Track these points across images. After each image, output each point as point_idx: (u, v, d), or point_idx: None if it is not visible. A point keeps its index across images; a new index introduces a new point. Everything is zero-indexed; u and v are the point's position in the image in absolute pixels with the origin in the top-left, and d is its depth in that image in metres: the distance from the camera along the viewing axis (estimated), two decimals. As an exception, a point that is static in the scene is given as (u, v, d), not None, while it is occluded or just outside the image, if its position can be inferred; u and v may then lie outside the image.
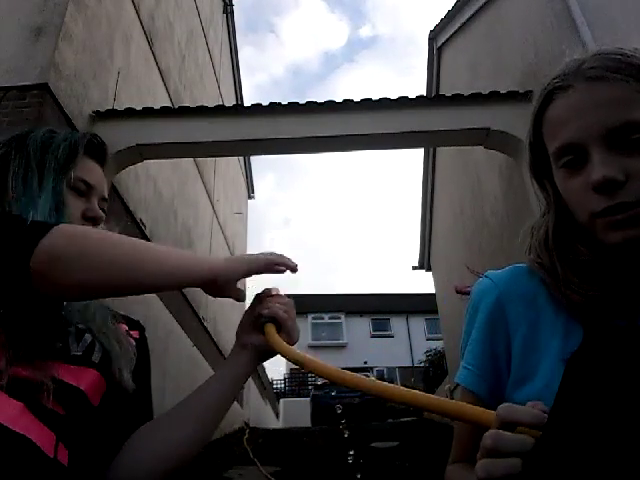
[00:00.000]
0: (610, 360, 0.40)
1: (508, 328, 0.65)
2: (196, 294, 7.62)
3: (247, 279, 0.82)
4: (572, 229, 0.64)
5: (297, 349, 0.71)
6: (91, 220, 0.84)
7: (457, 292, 6.06)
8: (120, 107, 4.70)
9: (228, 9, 11.34)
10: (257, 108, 4.96)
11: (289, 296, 0.83)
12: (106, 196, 0.90)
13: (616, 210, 0.56)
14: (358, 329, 24.26)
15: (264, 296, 0.81)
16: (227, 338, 10.33)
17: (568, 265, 0.62)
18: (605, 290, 0.58)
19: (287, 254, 0.81)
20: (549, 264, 0.64)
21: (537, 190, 0.71)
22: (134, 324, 0.93)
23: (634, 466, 0.36)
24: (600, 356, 0.40)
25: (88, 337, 0.74)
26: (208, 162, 8.81)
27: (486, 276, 0.70)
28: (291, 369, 23.29)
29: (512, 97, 4.92)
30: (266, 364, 20.34)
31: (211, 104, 5.43)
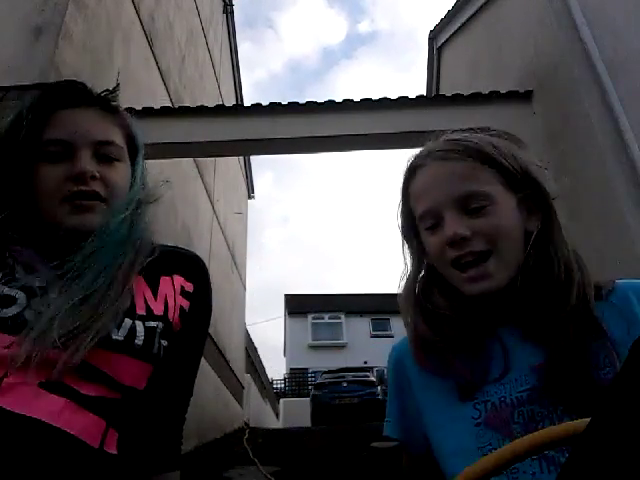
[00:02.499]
0: None
1: (411, 386, 0.78)
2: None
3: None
4: (434, 281, 0.78)
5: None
6: (77, 179, 0.71)
7: None
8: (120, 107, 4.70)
9: (228, 9, 11.34)
10: (257, 108, 4.96)
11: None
12: (102, 138, 0.75)
13: (466, 259, 0.70)
14: (358, 329, 24.24)
15: None
16: (227, 338, 10.33)
17: (426, 319, 0.76)
18: (453, 345, 0.72)
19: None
20: (412, 319, 0.78)
21: (405, 249, 0.85)
22: (192, 268, 0.85)
23: None
24: None
25: (128, 321, 0.71)
26: (208, 162, 8.80)
27: (393, 347, 0.85)
28: (291, 369, 23.29)
29: (512, 97, 4.92)
30: (266, 364, 20.35)
31: (211, 104, 5.43)
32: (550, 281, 0.69)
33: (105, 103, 0.79)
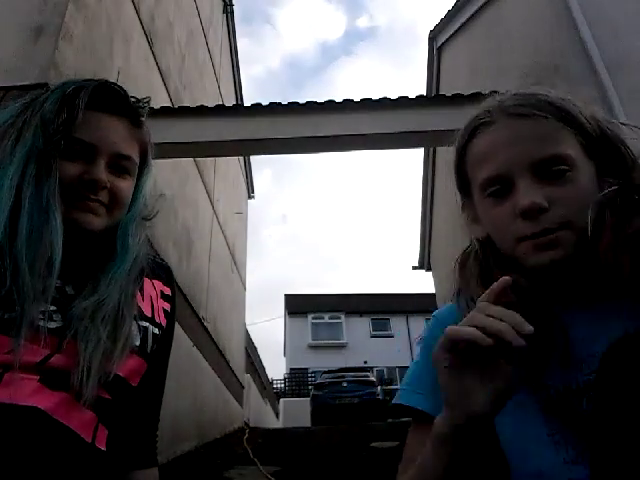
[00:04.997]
0: None
1: None
2: (196, 294, 7.63)
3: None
4: (493, 257, 0.69)
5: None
6: (89, 185, 0.72)
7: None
8: (120, 107, 4.69)
9: (228, 9, 11.34)
10: (257, 108, 4.96)
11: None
12: (124, 152, 0.77)
13: (541, 235, 0.61)
14: (358, 329, 24.25)
15: None
16: (227, 338, 10.33)
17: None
18: None
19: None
20: (469, 295, 0.68)
21: (466, 218, 0.75)
22: (167, 275, 0.90)
23: None
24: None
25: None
26: (208, 162, 8.80)
27: (433, 315, 0.78)
28: (291, 369, 23.28)
29: (512, 97, 4.91)
30: (266, 364, 20.35)
31: (211, 104, 5.43)
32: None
33: (135, 117, 0.80)
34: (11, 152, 0.70)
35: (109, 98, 0.77)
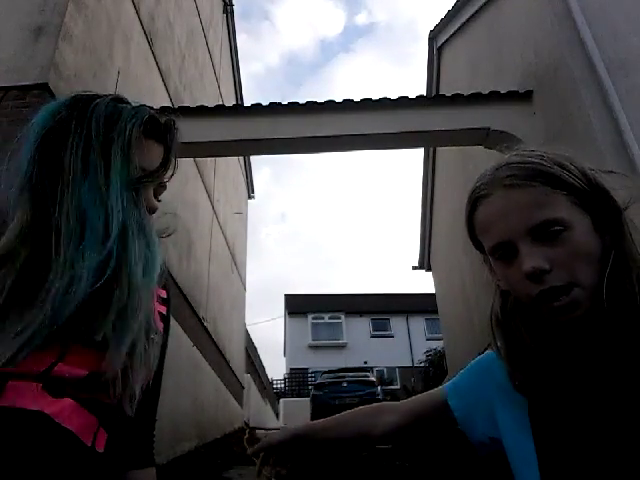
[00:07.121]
0: None
1: (494, 395, 0.81)
2: (196, 294, 7.63)
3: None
4: (518, 308, 0.75)
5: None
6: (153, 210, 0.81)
7: None
8: (120, 107, 4.68)
9: (228, 9, 11.34)
10: (257, 108, 4.96)
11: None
12: (165, 181, 0.84)
13: (550, 293, 0.66)
14: (358, 329, 24.25)
15: None
16: (227, 338, 10.33)
17: (514, 350, 0.75)
18: (543, 378, 0.71)
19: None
20: (503, 347, 0.76)
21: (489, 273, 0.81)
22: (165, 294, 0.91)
23: None
24: None
25: None
26: (208, 162, 8.80)
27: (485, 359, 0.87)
28: (291, 369, 23.29)
29: (512, 97, 4.92)
30: (266, 364, 20.35)
31: (211, 104, 5.43)
32: (630, 303, 0.65)
33: (170, 143, 0.84)
34: (104, 174, 0.73)
35: (161, 127, 0.82)
